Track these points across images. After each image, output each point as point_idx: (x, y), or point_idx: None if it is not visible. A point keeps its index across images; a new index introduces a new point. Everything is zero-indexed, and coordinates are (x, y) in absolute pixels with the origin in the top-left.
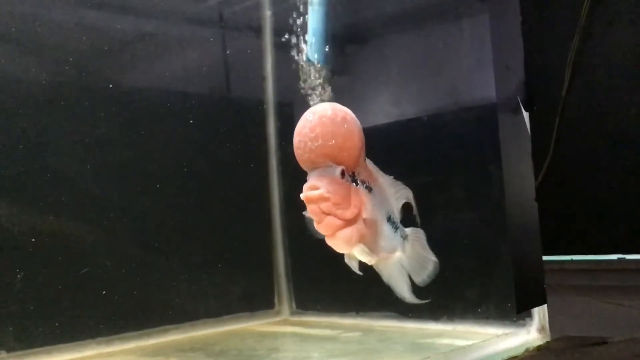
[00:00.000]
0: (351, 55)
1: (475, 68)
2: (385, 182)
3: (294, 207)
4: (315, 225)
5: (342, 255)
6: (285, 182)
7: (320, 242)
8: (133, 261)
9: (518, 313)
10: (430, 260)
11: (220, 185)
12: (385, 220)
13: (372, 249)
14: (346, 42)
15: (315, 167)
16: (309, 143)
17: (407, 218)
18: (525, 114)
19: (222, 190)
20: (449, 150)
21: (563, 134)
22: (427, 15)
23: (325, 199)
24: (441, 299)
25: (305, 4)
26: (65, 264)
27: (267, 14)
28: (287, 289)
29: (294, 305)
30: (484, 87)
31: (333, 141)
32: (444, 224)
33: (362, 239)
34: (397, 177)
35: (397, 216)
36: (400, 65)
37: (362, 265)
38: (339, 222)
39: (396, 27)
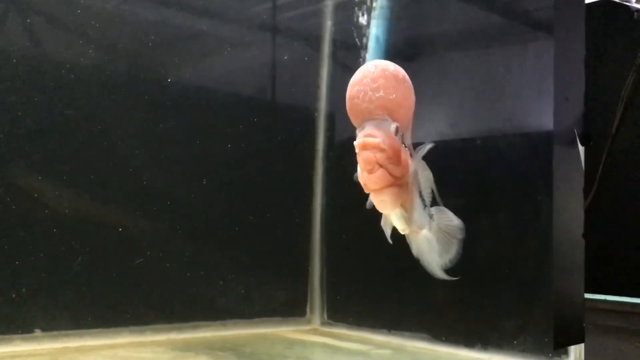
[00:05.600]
0: (410, 71)
1: (535, 96)
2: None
3: (335, 217)
4: (365, 177)
5: (379, 271)
6: (328, 192)
7: (358, 255)
8: (172, 255)
9: (555, 349)
10: (454, 243)
11: (268, 190)
12: (418, 195)
13: (409, 217)
14: (405, 57)
15: (370, 118)
16: (370, 93)
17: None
18: (581, 148)
19: (269, 195)
20: (500, 176)
21: (609, 171)
22: (490, 38)
23: (382, 150)
24: (477, 325)
25: (367, 18)
26: (121, 253)
27: (328, 24)
28: (320, 298)
29: (325, 316)
30: (541, 116)
31: (394, 95)
32: (488, 250)
33: (403, 203)
34: (444, 198)
35: (424, 194)
36: (458, 85)
37: (398, 276)
38: (389, 177)
39: (458, 46)
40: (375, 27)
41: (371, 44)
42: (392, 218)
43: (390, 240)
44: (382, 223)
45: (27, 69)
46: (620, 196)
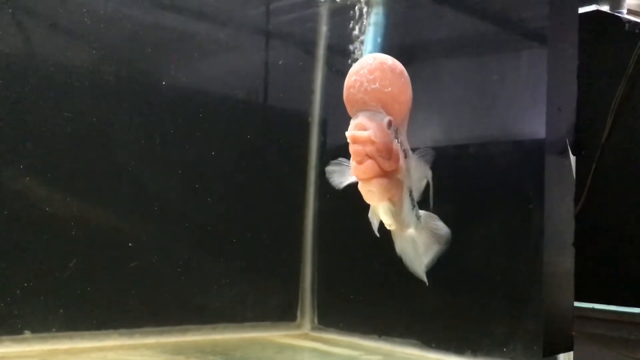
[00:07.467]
0: None
1: (528, 105)
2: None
3: (327, 222)
4: (354, 166)
5: (370, 277)
6: (321, 197)
7: (350, 261)
8: (165, 258)
9: (544, 357)
10: (434, 249)
11: (261, 194)
12: (408, 194)
13: (396, 212)
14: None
15: (365, 109)
16: (366, 84)
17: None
18: (572, 158)
19: (261, 200)
20: (492, 184)
21: (598, 180)
22: (484, 47)
23: (372, 142)
24: (467, 332)
25: (362, 25)
26: (115, 256)
27: (323, 29)
28: (311, 303)
29: (315, 321)
30: (533, 125)
31: (390, 89)
32: (478, 256)
33: (392, 197)
34: (435, 205)
35: (415, 194)
36: (452, 92)
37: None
38: (378, 169)
39: (452, 54)
40: (370, 33)
41: (366, 49)
42: (380, 211)
43: (377, 234)
44: (370, 215)
45: (24, 71)
46: (610, 204)
